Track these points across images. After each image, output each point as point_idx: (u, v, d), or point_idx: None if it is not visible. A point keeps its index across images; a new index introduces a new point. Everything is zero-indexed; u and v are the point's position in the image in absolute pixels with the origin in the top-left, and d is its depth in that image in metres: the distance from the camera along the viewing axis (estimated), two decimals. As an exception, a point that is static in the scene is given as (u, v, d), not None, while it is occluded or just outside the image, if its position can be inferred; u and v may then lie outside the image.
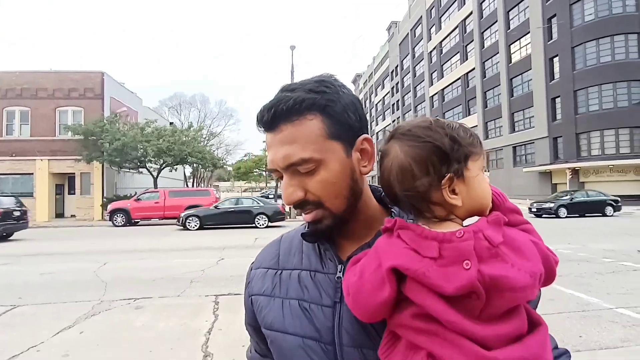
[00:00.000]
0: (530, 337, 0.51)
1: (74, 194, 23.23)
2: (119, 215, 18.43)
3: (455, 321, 0.49)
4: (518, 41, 33.58)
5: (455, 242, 0.52)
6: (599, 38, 26.58)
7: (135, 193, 21.32)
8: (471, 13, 39.92)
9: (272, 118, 0.63)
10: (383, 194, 0.73)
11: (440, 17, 46.70)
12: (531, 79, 32.07)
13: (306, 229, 0.72)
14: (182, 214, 16.56)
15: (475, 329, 0.49)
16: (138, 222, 19.18)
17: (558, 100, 29.35)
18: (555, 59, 29.42)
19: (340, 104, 0.64)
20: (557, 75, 29.32)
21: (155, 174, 23.72)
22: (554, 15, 29.19)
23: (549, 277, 0.55)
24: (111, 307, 5.18)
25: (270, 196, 44.20)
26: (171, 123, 35.16)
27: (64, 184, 23.91)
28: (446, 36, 45.34)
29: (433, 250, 0.52)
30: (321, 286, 0.68)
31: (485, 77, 38.50)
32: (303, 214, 0.67)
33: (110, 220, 18.46)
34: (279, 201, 26.18)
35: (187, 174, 40.85)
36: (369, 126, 0.70)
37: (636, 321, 4.36)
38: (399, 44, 59.73)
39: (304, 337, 0.66)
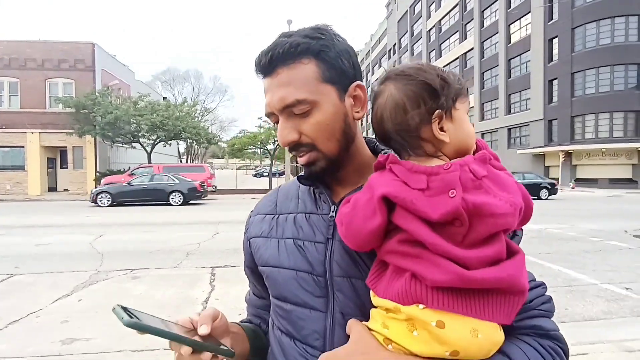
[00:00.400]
0: (507, 262, 0.55)
1: (67, 167, 23.01)
2: (112, 189, 18.36)
3: (438, 243, 0.52)
4: (518, 21, 33.09)
5: (442, 174, 0.55)
6: (599, 19, 26.29)
7: (129, 168, 21.18)
8: (472, -10, 39.07)
9: (269, 62, 0.66)
10: (376, 144, 0.77)
11: (441, -6, 45.68)
12: (529, 60, 31.80)
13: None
14: (94, 190, 16.16)
15: (457, 251, 0.52)
16: (132, 197, 19.16)
17: (555, 82, 29.24)
18: (555, 40, 29.13)
19: (334, 50, 0.67)
20: (555, 57, 29.11)
21: (148, 149, 23.50)
22: (556, -5, 28.72)
23: (527, 214, 0.58)
24: (108, 277, 5.25)
25: (264, 174, 44.14)
26: (164, 98, 34.58)
27: (56, 158, 23.64)
28: (446, 14, 44.48)
29: (422, 183, 0.55)
30: (315, 225, 0.73)
31: (483, 57, 38.10)
32: (298, 157, 0.71)
33: (104, 195, 18.38)
34: (278, 179, 26.17)
35: (181, 150, 40.54)
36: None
37: (619, 296, 4.53)
38: (398, 21, 58.57)
39: (298, 270, 0.71)
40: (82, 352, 3.13)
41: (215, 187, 20.35)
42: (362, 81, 0.71)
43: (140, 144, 23.29)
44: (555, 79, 29.08)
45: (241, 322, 0.88)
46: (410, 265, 0.55)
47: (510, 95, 34.64)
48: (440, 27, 45.89)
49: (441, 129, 0.59)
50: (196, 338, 0.60)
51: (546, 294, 0.67)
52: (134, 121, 21.55)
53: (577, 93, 27.63)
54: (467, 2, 40.55)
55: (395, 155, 0.62)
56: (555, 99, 29.38)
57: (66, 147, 22.46)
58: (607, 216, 11.75)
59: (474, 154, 0.61)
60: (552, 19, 29.26)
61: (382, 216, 0.56)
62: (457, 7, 41.84)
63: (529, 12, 31.25)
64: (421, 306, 0.53)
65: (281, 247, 0.74)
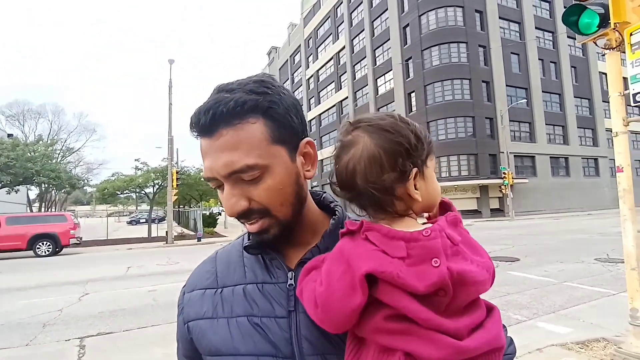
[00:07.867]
0: (489, 321, 0.54)
1: None
2: None
3: (430, 318, 0.50)
4: (383, 76, 38.35)
5: (422, 241, 0.52)
6: (443, 80, 32.31)
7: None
8: (344, 47, 44.10)
9: (210, 122, 0.58)
10: (322, 196, 0.74)
11: (317, 47, 50.26)
12: (394, 110, 36.65)
13: (248, 240, 0.68)
14: None
15: (447, 323, 0.50)
16: (-42, 258, 15.02)
17: (415, 129, 34.30)
18: (412, 94, 34.51)
19: (282, 106, 0.61)
20: (414, 108, 34.37)
21: (-15, 196, 19.13)
22: (410, 58, 34.40)
23: (494, 275, 0.59)
24: None
25: (142, 220, 39.75)
26: (9, 135, 29.07)
27: None
28: (322, 65, 48.90)
29: (401, 250, 0.52)
30: (272, 297, 0.64)
31: (357, 105, 42.64)
32: (247, 225, 0.63)
33: None
34: (158, 225, 23.77)
35: (33, 196, 34.01)
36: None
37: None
38: (279, 69, 61.89)
39: (259, 355, 0.60)
40: None
41: (80, 238, 17.34)
42: (307, 136, 0.67)
43: (-26, 191, 18.84)
44: (415, 126, 34.17)
45: None
46: (402, 344, 0.51)
47: (381, 139, 39.09)
48: (319, 77, 50.07)
49: (414, 187, 0.57)
50: None
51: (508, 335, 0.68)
52: (-34, 163, 17.45)
53: (432, 138, 32.55)
54: (340, 56, 45.41)
55: (349, 219, 0.59)
56: (416, 143, 34.28)
57: None
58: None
59: (442, 213, 0.61)
60: (409, 77, 34.75)
61: (365, 294, 0.51)
62: (332, 60, 46.49)
63: (391, 69, 36.58)
64: None
65: (233, 329, 0.63)
